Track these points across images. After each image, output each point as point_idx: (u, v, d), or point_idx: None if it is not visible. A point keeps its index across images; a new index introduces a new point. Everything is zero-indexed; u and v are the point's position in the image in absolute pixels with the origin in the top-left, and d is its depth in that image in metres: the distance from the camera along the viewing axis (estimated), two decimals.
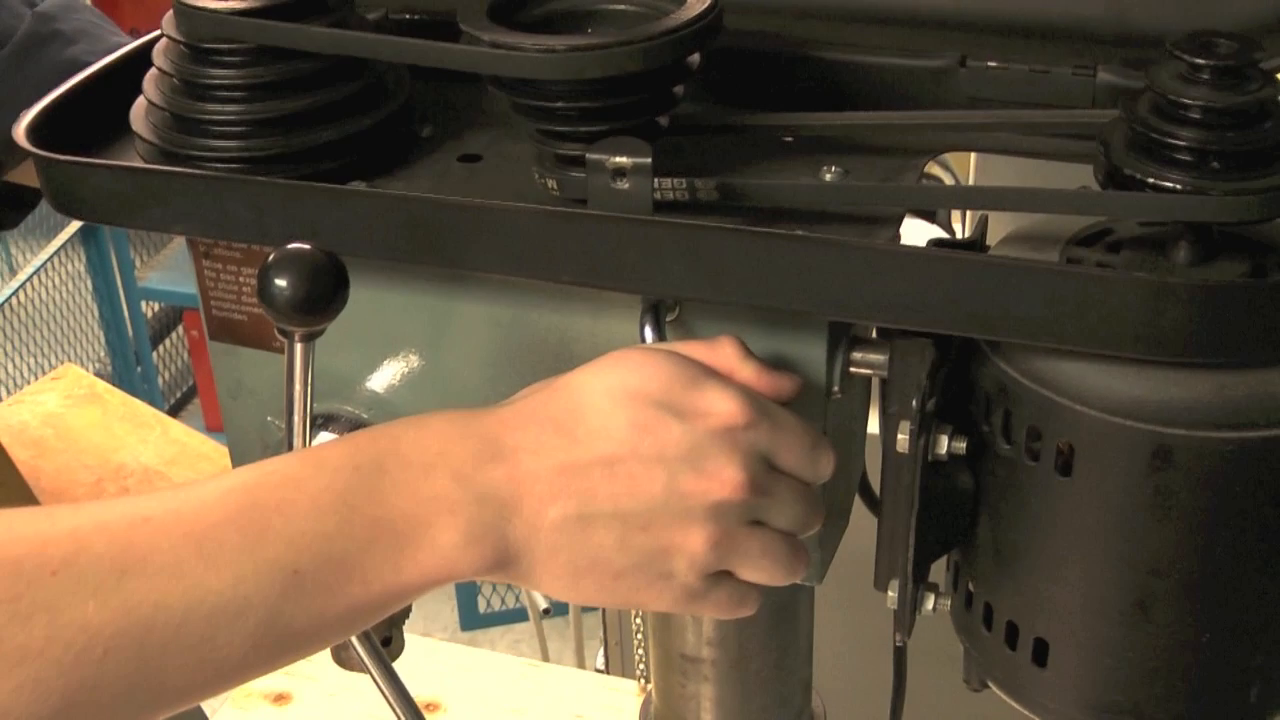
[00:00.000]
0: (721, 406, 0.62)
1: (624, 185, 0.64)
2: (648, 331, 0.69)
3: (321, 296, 0.62)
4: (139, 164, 0.74)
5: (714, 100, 0.78)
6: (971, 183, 1.28)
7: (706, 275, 0.64)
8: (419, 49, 0.69)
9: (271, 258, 0.61)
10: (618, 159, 0.63)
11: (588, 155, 0.64)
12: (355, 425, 0.79)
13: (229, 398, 0.83)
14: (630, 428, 0.61)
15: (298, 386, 0.67)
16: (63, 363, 2.69)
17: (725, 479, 0.62)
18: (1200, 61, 0.61)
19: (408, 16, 0.83)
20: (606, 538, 0.61)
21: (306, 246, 0.62)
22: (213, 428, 2.71)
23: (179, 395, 2.96)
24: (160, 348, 2.93)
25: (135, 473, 1.40)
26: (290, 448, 0.70)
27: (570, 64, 0.64)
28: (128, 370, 2.71)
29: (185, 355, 2.97)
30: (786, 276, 0.63)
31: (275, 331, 0.73)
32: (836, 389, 0.71)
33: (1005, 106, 0.75)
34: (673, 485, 0.61)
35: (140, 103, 0.77)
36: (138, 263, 2.71)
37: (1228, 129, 0.61)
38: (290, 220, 0.70)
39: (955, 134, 0.76)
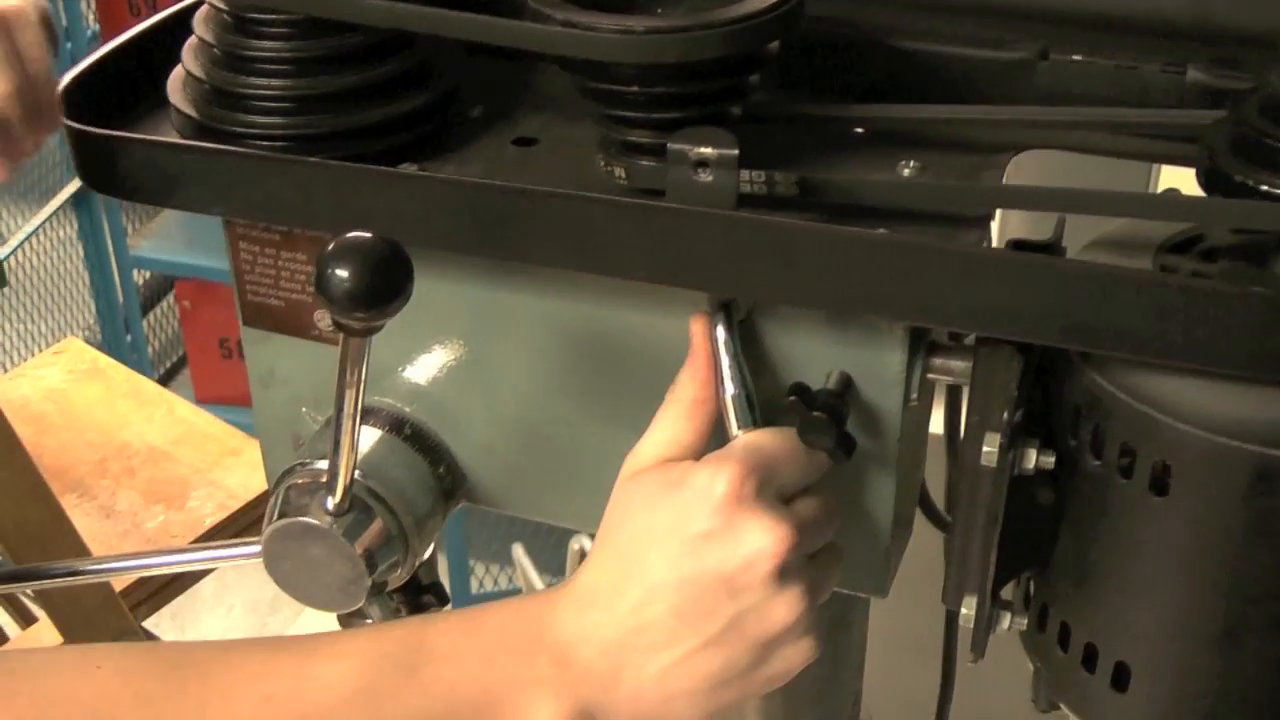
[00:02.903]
0: (761, 545, 0.61)
1: (707, 178, 0.60)
2: (720, 331, 0.66)
3: (385, 289, 0.57)
4: (177, 139, 0.70)
5: (780, 87, 0.74)
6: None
7: (791, 276, 0.60)
8: (485, 26, 0.64)
9: (333, 245, 0.57)
10: (702, 150, 0.59)
11: (669, 145, 0.60)
12: (395, 419, 0.76)
13: (260, 386, 0.80)
14: (685, 618, 0.62)
15: (350, 385, 0.63)
16: (51, 329, 2.64)
17: (783, 615, 0.62)
18: None
19: None
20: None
21: (369, 235, 0.58)
22: (203, 399, 2.66)
23: (169, 365, 2.90)
24: (150, 316, 2.88)
25: (140, 452, 1.35)
26: (336, 449, 0.67)
27: (650, 47, 0.61)
28: (117, 338, 2.66)
29: (175, 324, 2.92)
30: (879, 280, 0.59)
31: (330, 323, 0.70)
32: (914, 397, 0.67)
33: (1087, 103, 0.72)
34: (744, 640, 0.63)
35: (178, 73, 0.73)
36: (129, 230, 2.65)
37: None
38: (341, 204, 0.66)
39: (1037, 131, 0.72)
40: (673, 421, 0.66)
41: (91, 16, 2.54)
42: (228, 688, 0.61)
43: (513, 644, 0.63)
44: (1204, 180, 0.63)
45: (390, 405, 0.76)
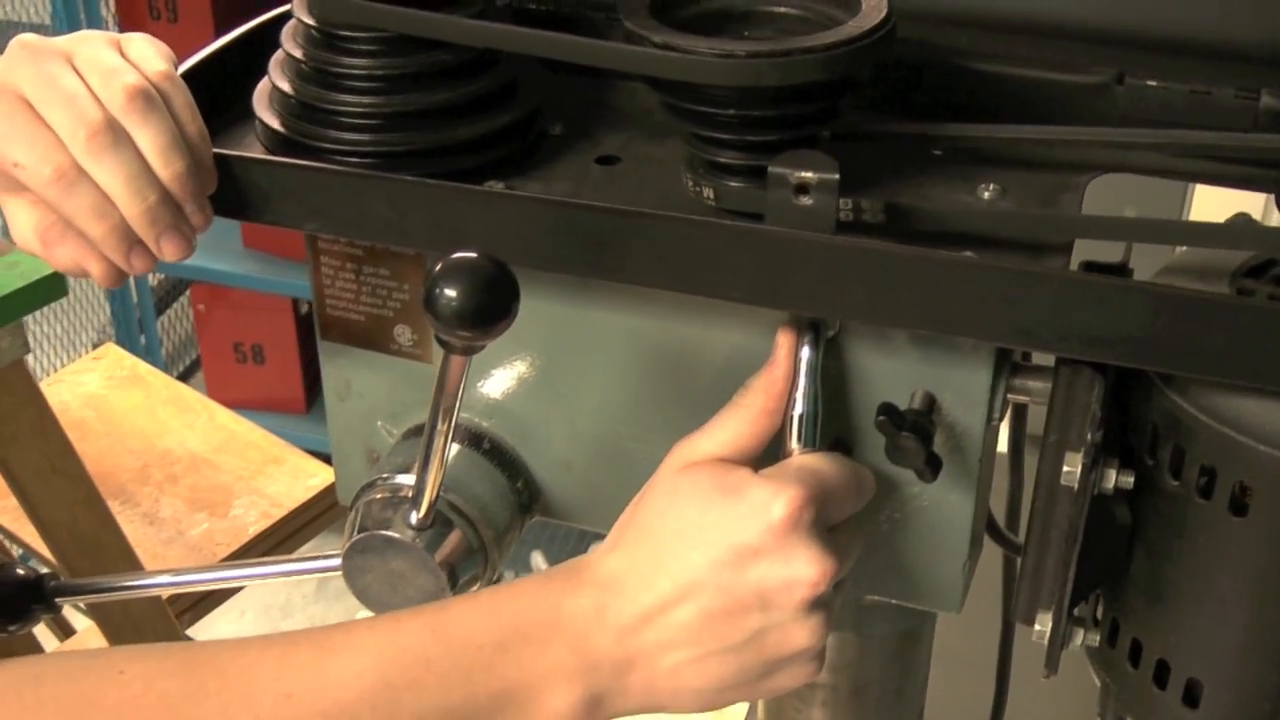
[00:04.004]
0: (806, 574, 0.62)
1: (806, 201, 0.61)
2: (805, 350, 0.67)
3: (492, 309, 0.58)
4: (268, 155, 0.71)
5: (861, 107, 0.75)
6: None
7: (889, 299, 0.61)
8: (587, 48, 0.65)
9: (441, 264, 0.58)
10: (803, 174, 0.60)
11: (770, 168, 0.61)
12: (474, 434, 0.76)
13: (336, 399, 0.80)
14: (712, 622, 0.63)
15: (446, 401, 0.64)
16: (66, 331, 2.64)
17: (804, 639, 0.64)
18: None
19: (531, 6, 0.79)
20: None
21: (475, 254, 0.59)
22: (217, 403, 2.67)
23: (183, 367, 2.91)
24: (164, 318, 2.88)
25: (182, 459, 1.36)
26: (425, 464, 0.68)
27: (751, 70, 0.61)
28: (131, 340, 2.66)
29: (188, 326, 2.92)
30: (981, 303, 0.60)
31: (412, 338, 0.71)
32: (996, 416, 0.68)
33: (1162, 127, 0.73)
34: (761, 654, 0.64)
35: (263, 86, 0.73)
36: None
37: None
38: (436, 223, 0.67)
39: (1115, 153, 0.73)
40: (736, 424, 0.67)
41: (111, 20, 2.55)
42: (247, 686, 0.61)
43: (529, 632, 0.63)
44: None
45: (469, 419, 0.77)
